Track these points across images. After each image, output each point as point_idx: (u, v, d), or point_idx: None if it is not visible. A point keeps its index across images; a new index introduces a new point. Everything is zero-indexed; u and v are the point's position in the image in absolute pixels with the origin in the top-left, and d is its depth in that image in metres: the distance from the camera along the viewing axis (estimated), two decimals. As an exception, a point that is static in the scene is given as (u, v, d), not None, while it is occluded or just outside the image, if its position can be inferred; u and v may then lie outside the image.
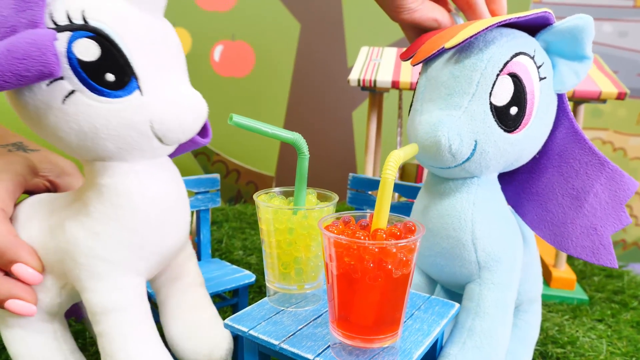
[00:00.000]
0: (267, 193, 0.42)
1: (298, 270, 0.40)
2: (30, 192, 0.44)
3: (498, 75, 0.38)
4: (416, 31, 0.50)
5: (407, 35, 0.51)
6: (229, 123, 0.37)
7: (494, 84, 0.38)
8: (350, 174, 0.62)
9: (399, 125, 0.81)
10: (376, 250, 0.31)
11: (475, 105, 0.38)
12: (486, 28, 0.37)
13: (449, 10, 0.50)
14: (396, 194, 0.82)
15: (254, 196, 0.41)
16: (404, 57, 0.48)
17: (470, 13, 0.49)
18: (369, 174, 0.76)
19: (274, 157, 1.42)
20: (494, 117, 0.38)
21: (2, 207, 0.39)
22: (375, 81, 0.69)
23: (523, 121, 0.39)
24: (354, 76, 0.70)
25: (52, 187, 0.46)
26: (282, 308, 0.41)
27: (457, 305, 0.42)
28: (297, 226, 0.39)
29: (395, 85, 0.68)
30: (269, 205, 0.39)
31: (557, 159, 0.43)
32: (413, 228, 0.34)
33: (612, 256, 0.40)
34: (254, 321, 0.39)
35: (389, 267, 0.32)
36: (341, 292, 0.33)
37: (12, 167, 0.42)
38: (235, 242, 0.83)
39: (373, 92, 0.73)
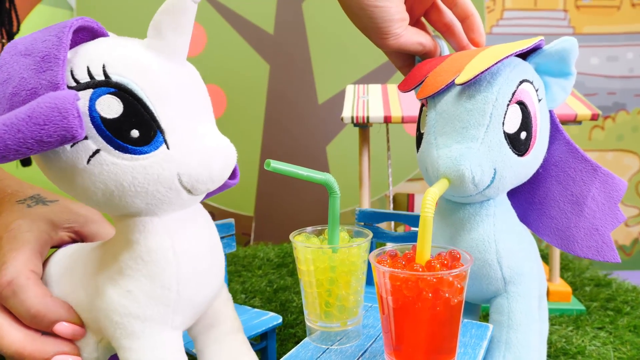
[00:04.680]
0: (301, 233, 0.43)
1: (340, 308, 0.41)
2: (56, 246, 0.43)
3: (508, 105, 0.41)
4: (401, 57, 0.53)
5: (392, 61, 0.54)
6: (266, 168, 0.39)
7: (505, 114, 0.41)
8: (357, 208, 0.64)
9: (388, 158, 0.84)
10: (434, 280, 0.33)
11: (491, 136, 0.41)
12: (496, 63, 0.39)
13: (430, 34, 0.53)
14: (392, 223, 0.84)
15: (290, 237, 0.42)
16: (404, 89, 0.49)
17: (449, 36, 0.52)
18: (364, 207, 0.77)
19: (251, 197, 1.42)
20: (508, 144, 0.41)
21: (32, 269, 0.38)
22: (368, 117, 0.71)
23: (531, 143, 0.43)
24: (346, 114, 0.72)
25: (78, 238, 0.45)
26: (326, 346, 0.42)
27: (490, 326, 0.44)
28: (338, 264, 0.40)
29: (387, 120, 0.71)
30: (308, 246, 0.40)
31: (553, 169, 0.47)
32: (458, 256, 0.36)
33: (615, 252, 0.44)
34: (304, 363, 0.39)
35: (447, 295, 0.33)
36: (399, 324, 0.34)
37: (35, 226, 0.41)
38: (235, 286, 0.83)
39: (363, 128, 0.76)
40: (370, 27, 0.48)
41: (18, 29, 0.68)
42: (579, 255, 0.45)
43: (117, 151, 0.31)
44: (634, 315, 0.70)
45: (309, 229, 0.44)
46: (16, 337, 0.37)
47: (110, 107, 0.31)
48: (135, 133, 0.31)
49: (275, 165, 0.38)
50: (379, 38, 0.49)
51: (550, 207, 0.47)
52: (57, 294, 0.38)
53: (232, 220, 0.58)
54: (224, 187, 0.44)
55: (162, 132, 0.32)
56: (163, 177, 0.33)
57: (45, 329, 0.37)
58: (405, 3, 0.49)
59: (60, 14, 1.36)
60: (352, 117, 0.72)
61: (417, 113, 0.72)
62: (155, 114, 0.32)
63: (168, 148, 0.33)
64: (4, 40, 0.67)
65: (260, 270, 0.92)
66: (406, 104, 0.76)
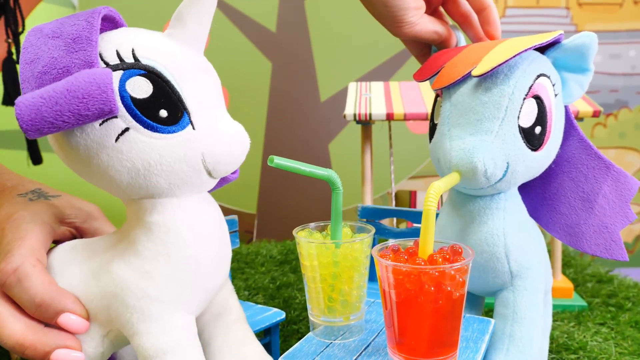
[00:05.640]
0: (304, 229, 0.44)
1: (343, 302, 0.41)
2: (56, 241, 0.43)
3: (524, 99, 0.41)
4: (418, 45, 0.53)
5: (409, 49, 0.54)
6: (269, 165, 0.39)
7: (521, 108, 0.41)
8: (359, 205, 0.65)
9: (390, 155, 0.84)
10: (436, 274, 0.33)
11: (506, 129, 0.41)
12: (514, 56, 0.39)
13: (446, 23, 0.53)
14: (395, 219, 0.85)
15: (294, 232, 0.42)
16: (420, 78, 0.49)
17: (466, 27, 0.52)
18: (367, 203, 0.78)
19: (254, 195, 1.43)
20: (522, 138, 0.41)
21: (38, 257, 0.38)
22: (370, 114, 0.72)
23: (545, 138, 0.43)
24: (349, 111, 0.73)
25: (78, 234, 0.45)
26: (329, 341, 0.42)
27: (492, 320, 0.45)
28: (341, 259, 0.40)
29: (390, 117, 0.72)
30: (311, 241, 0.41)
31: (566, 165, 0.47)
32: (460, 250, 0.37)
33: (623, 251, 0.44)
34: (308, 357, 0.39)
35: (449, 289, 0.34)
36: (402, 318, 0.35)
37: (38, 217, 0.41)
38: (238, 282, 0.83)
39: (366, 125, 0.77)
40: (386, 14, 0.48)
41: (23, 29, 0.69)
42: (588, 252, 0.45)
43: (146, 130, 0.33)
44: (635, 311, 0.70)
45: (312, 224, 0.44)
46: (17, 327, 0.36)
47: (141, 87, 0.33)
48: (163, 113, 0.33)
49: (279, 161, 0.39)
50: (394, 26, 0.49)
51: (561, 203, 0.47)
52: (64, 287, 0.38)
53: (235, 217, 0.59)
54: (225, 180, 0.44)
55: (188, 113, 0.34)
56: (188, 156, 0.34)
57: (49, 320, 0.37)
58: None
59: (63, 12, 1.37)
60: (355, 115, 0.72)
61: (419, 110, 0.73)
62: (182, 96, 0.34)
63: (194, 129, 0.34)
64: (9, 40, 0.68)
65: (263, 267, 0.92)
66: (408, 101, 0.76)
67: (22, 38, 0.68)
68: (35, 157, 0.66)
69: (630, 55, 1.61)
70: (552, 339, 0.63)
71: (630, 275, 0.86)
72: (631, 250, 1.65)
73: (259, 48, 1.40)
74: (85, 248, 0.40)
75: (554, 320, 0.68)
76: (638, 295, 0.75)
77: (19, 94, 0.71)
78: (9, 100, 0.66)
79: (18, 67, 0.68)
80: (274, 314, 0.53)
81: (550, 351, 0.60)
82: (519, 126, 0.41)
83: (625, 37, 1.60)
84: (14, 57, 0.66)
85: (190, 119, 0.34)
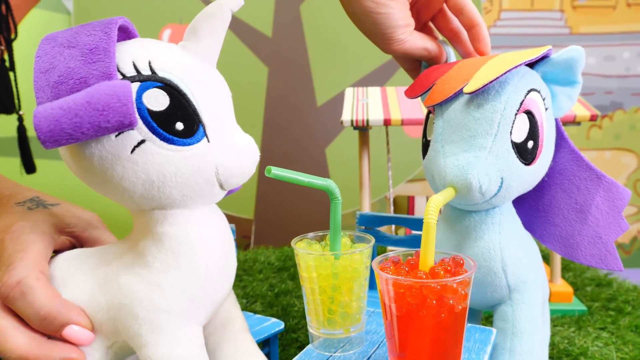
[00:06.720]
0: (302, 240, 0.43)
1: (343, 314, 0.41)
2: (56, 251, 0.42)
3: (516, 114, 0.41)
4: (408, 60, 0.53)
5: (401, 64, 0.54)
6: (267, 175, 0.38)
7: (513, 123, 0.41)
8: (358, 212, 0.64)
9: (388, 161, 0.84)
10: (438, 287, 0.33)
11: (499, 145, 0.41)
12: (506, 72, 0.39)
13: (436, 39, 0.53)
14: (393, 226, 0.84)
15: (292, 243, 0.42)
16: (411, 95, 0.49)
17: (456, 42, 0.53)
18: (365, 210, 0.77)
19: (251, 200, 1.42)
20: (515, 153, 0.41)
21: (41, 269, 0.37)
22: (367, 120, 0.71)
23: (537, 152, 0.43)
24: (346, 117, 0.72)
25: (78, 243, 0.44)
26: (329, 354, 0.41)
27: (494, 330, 0.44)
28: (341, 270, 0.40)
29: (387, 122, 0.71)
30: (310, 252, 0.40)
31: (558, 177, 0.47)
32: (461, 262, 0.36)
33: (618, 261, 0.44)
34: (308, 370, 0.39)
35: (451, 302, 0.33)
36: (402, 331, 0.34)
37: (38, 228, 0.40)
38: (236, 290, 0.82)
39: (363, 131, 0.76)
40: (375, 33, 0.48)
41: (16, 36, 0.68)
42: (583, 263, 0.45)
43: (162, 142, 0.33)
44: (635, 315, 0.70)
45: (311, 234, 0.44)
46: (21, 341, 0.36)
47: (157, 100, 0.33)
48: (180, 126, 0.33)
49: (276, 172, 0.38)
50: (384, 44, 0.49)
51: (555, 214, 0.47)
52: (67, 298, 0.38)
53: (232, 225, 0.58)
54: (230, 191, 0.43)
55: (203, 126, 0.34)
56: (203, 168, 0.35)
57: (53, 333, 0.36)
58: (411, 8, 0.49)
59: (57, 17, 1.36)
60: (352, 121, 0.72)
61: (416, 115, 0.72)
62: (198, 109, 0.34)
63: (209, 141, 0.35)
64: (1, 47, 0.67)
65: (261, 274, 0.91)
66: (405, 107, 0.76)
67: (15, 45, 0.68)
68: (29, 166, 0.65)
69: (624, 57, 1.62)
70: (553, 344, 0.62)
71: (629, 277, 0.86)
72: (628, 251, 1.65)
73: (255, 53, 1.39)
74: (89, 258, 0.40)
75: (554, 326, 0.68)
76: (638, 298, 0.75)
77: (11, 101, 0.70)
78: (2, 107, 0.65)
79: (11, 74, 0.67)
80: (273, 324, 0.53)
81: (551, 357, 0.60)
82: (512, 141, 0.41)
83: (619, 39, 1.61)
84: (7, 64, 0.65)
85: (205, 131, 0.34)
